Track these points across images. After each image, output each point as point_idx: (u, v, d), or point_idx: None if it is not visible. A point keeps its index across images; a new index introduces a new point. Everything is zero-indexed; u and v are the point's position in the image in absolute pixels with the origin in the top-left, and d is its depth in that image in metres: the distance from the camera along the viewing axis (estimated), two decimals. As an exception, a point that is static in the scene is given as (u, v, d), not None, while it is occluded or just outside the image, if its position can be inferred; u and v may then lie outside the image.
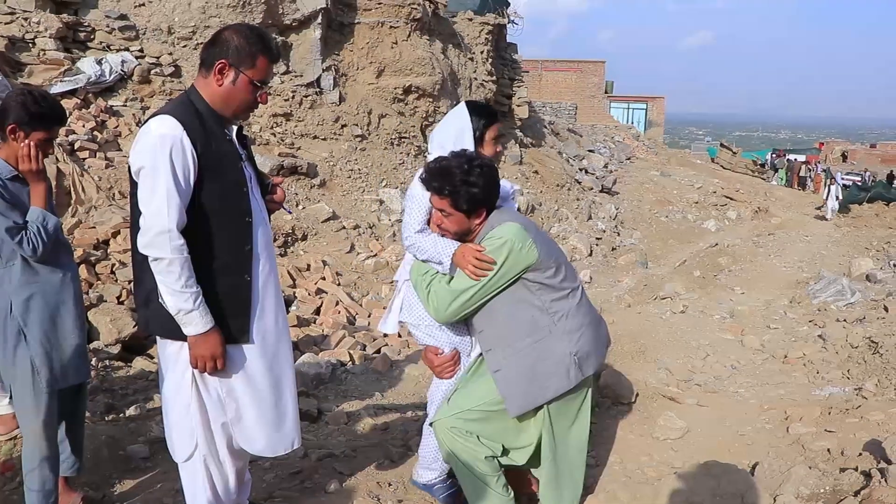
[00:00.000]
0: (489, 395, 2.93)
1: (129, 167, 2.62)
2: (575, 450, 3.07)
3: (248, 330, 2.72)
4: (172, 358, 2.71)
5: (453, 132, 3.18)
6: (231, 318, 2.67)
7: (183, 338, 2.61)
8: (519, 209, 3.19)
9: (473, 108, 3.26)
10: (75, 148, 8.28)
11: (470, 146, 3.10)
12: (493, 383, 2.92)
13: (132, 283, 2.80)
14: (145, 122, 2.60)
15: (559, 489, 3.07)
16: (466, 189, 2.81)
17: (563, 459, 3.05)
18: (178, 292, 2.51)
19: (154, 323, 2.67)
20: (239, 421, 2.76)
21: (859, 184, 27.93)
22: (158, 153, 2.48)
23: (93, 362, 5.29)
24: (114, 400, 4.94)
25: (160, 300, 2.55)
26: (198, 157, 2.56)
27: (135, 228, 2.59)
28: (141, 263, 2.61)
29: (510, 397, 2.91)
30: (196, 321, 2.55)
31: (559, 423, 3.00)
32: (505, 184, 3.15)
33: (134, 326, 5.89)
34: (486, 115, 3.25)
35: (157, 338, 2.76)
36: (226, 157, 2.67)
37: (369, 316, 7.76)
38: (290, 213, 8.80)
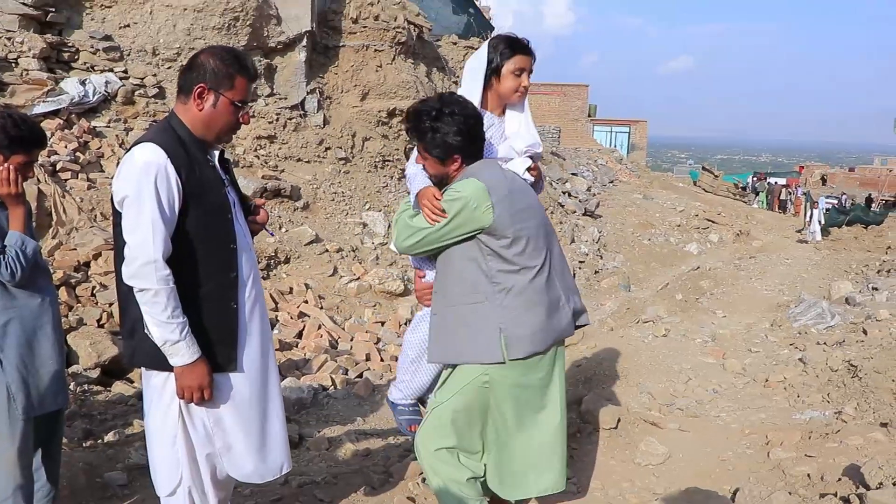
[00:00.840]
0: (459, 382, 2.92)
1: (111, 196, 2.58)
2: (533, 448, 2.96)
3: (235, 358, 2.69)
4: (157, 390, 2.65)
5: (467, 74, 3.12)
6: (218, 347, 2.64)
7: (169, 368, 2.57)
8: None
9: (494, 39, 3.11)
10: (57, 169, 8.24)
11: (477, 86, 3.04)
12: (461, 372, 2.92)
13: (118, 314, 2.75)
14: (128, 150, 2.58)
15: (501, 482, 2.98)
16: (433, 135, 2.80)
17: (508, 449, 2.95)
18: (164, 323, 2.47)
19: (140, 354, 2.63)
20: (228, 450, 2.72)
21: (838, 207, 28.27)
22: (143, 181, 2.45)
23: (71, 387, 5.24)
24: (92, 425, 4.88)
25: (146, 331, 2.52)
26: (182, 185, 2.53)
27: (119, 258, 2.56)
28: (126, 294, 2.58)
29: (432, 344, 2.97)
30: (183, 352, 2.51)
31: (509, 411, 2.91)
32: (527, 137, 3.13)
33: (118, 353, 5.83)
34: (507, 44, 3.06)
35: (143, 369, 2.71)
36: (210, 184, 2.64)
37: (352, 340, 7.74)
38: (272, 235, 8.82)
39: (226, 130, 2.70)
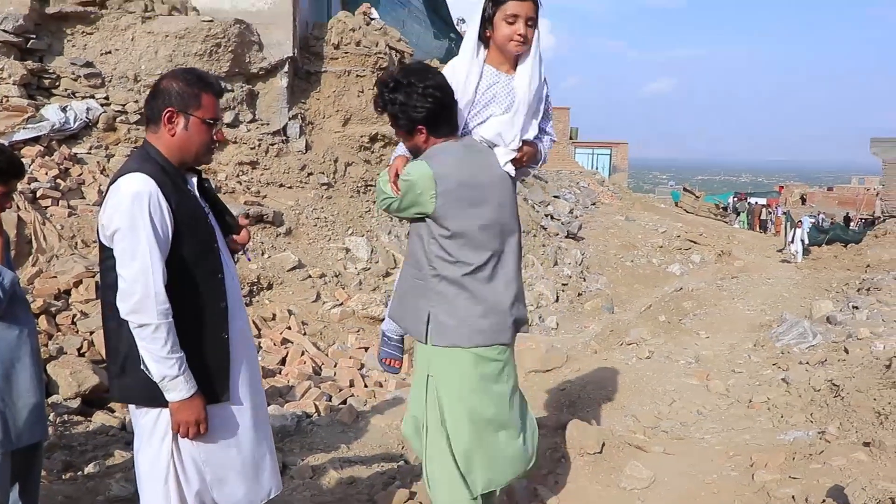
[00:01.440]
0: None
1: (98, 230, 2.53)
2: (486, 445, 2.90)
3: (227, 388, 2.66)
4: (149, 427, 2.59)
5: (468, 27, 2.93)
6: (211, 379, 2.60)
7: (161, 404, 2.52)
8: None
9: None
10: (37, 196, 8.19)
11: (469, 39, 2.85)
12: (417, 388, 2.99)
13: (105, 351, 2.67)
14: (112, 182, 2.52)
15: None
16: (391, 106, 2.77)
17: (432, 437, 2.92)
18: (164, 359, 2.42)
19: (132, 391, 2.57)
20: (219, 483, 2.68)
21: (817, 226, 28.59)
22: (136, 213, 2.40)
23: (50, 417, 5.17)
24: (72, 457, 4.81)
25: (142, 367, 2.45)
26: (173, 213, 2.50)
27: (107, 294, 2.52)
28: (114, 330, 2.53)
29: (392, 300, 3.12)
30: (181, 387, 2.46)
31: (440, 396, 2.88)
32: (517, 123, 2.82)
33: (99, 382, 5.77)
34: None
35: (132, 407, 2.64)
36: (194, 213, 2.62)
37: (335, 366, 7.70)
38: (249, 259, 8.76)
39: (203, 151, 2.67)
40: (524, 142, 2.87)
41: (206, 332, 2.60)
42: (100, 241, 2.54)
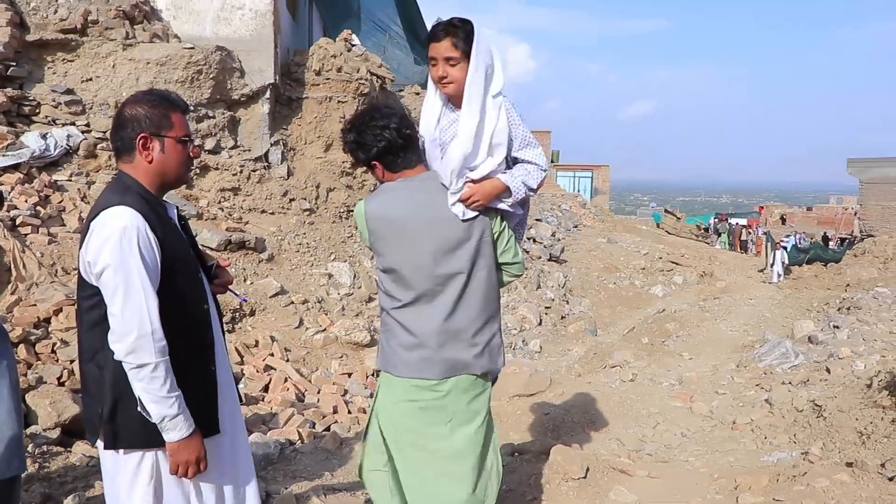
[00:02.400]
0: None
1: (82, 268, 2.44)
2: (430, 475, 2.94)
3: (216, 421, 2.60)
4: (133, 470, 2.48)
5: None
6: (202, 412, 2.53)
7: (151, 446, 2.45)
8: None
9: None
10: (17, 223, 8.12)
11: (431, 83, 2.93)
12: None
13: (86, 397, 2.56)
14: (93, 216, 2.43)
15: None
16: (348, 145, 2.92)
17: (413, 475, 2.97)
18: (163, 398, 2.34)
19: (125, 435, 2.45)
20: None
21: (798, 245, 28.83)
22: (125, 249, 2.32)
23: (29, 448, 5.09)
24: (51, 489, 4.73)
25: (139, 409, 2.36)
26: (160, 246, 2.43)
27: (90, 334, 2.45)
28: (97, 374, 2.45)
29: None
30: (180, 426, 2.39)
31: (389, 425, 2.99)
32: (449, 161, 2.78)
33: (80, 412, 5.69)
34: (429, 35, 2.88)
35: (111, 452, 2.49)
36: (178, 243, 2.57)
37: (319, 392, 7.65)
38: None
39: (182, 171, 2.61)
40: (474, 180, 2.82)
41: (195, 366, 2.54)
42: (80, 279, 2.46)
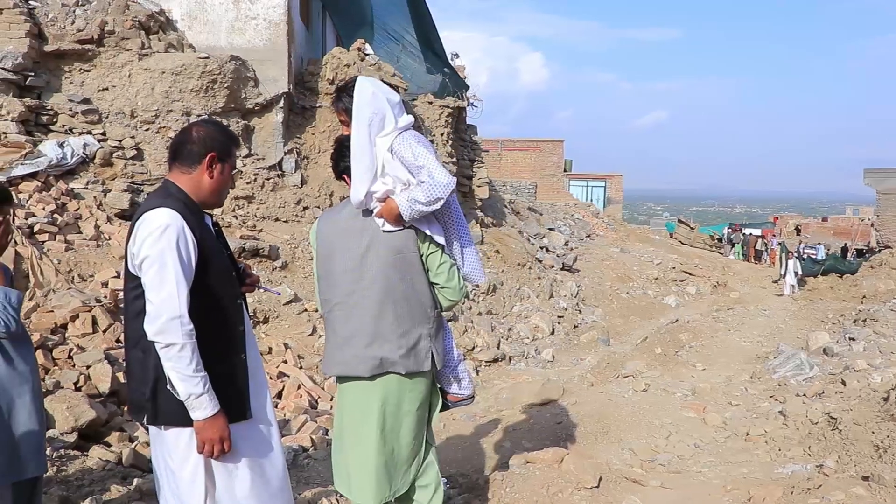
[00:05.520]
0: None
1: (126, 261, 2.71)
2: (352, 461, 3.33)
3: (247, 408, 2.82)
4: (184, 446, 2.72)
5: None
6: (232, 398, 2.75)
7: (189, 423, 2.65)
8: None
9: None
10: (34, 231, 8.20)
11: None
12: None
13: (130, 380, 2.83)
14: (138, 216, 2.69)
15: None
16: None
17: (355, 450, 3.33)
18: (189, 377, 2.57)
19: (164, 413, 2.69)
20: (246, 498, 2.80)
21: (814, 257, 28.63)
22: (164, 243, 2.59)
23: (47, 452, 5.13)
24: (68, 492, 4.76)
25: (168, 387, 2.60)
26: (198, 245, 2.70)
27: (134, 322, 2.68)
28: (141, 359, 2.68)
29: None
30: (205, 405, 2.61)
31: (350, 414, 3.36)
32: (442, 178, 3.17)
33: (96, 416, 5.73)
34: None
35: (162, 430, 2.74)
36: (213, 245, 2.82)
37: (332, 399, 7.66)
38: (277, 293, 8.88)
39: (224, 196, 2.94)
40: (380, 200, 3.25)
41: (228, 354, 2.79)
42: (127, 271, 2.72)
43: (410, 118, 3.35)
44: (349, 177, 3.28)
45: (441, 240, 3.31)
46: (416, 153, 3.18)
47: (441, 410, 3.60)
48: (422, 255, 3.28)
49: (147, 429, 2.88)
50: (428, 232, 3.26)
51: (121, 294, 2.72)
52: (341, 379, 3.35)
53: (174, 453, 2.74)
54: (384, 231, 3.22)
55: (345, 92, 3.34)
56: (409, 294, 3.25)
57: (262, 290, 3.56)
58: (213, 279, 2.75)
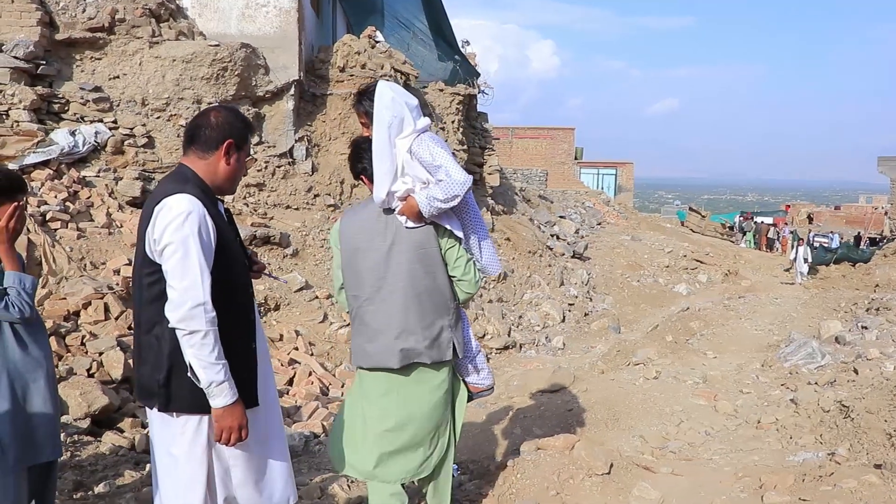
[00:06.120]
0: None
1: (146, 247, 2.67)
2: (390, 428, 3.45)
3: (255, 395, 2.81)
4: (191, 434, 2.71)
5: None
6: (244, 386, 2.73)
7: (203, 412, 2.65)
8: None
9: None
10: (47, 218, 8.24)
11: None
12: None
13: (142, 366, 2.79)
14: (156, 201, 2.66)
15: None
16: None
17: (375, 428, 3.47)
18: (211, 365, 2.56)
19: (177, 400, 2.68)
20: (243, 485, 2.80)
21: (827, 245, 28.45)
22: (187, 230, 2.57)
23: (61, 437, 5.17)
24: (82, 477, 4.81)
25: (189, 375, 2.58)
26: (216, 231, 2.69)
27: (149, 308, 2.67)
28: (155, 344, 2.67)
29: None
30: (226, 392, 2.60)
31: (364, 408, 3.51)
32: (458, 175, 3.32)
33: (109, 402, 5.78)
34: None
35: (173, 417, 2.71)
36: (228, 232, 2.81)
37: (342, 386, 7.69)
38: (285, 282, 8.89)
39: (236, 184, 2.93)
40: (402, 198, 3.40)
41: (238, 342, 2.76)
42: (144, 257, 2.68)
43: (427, 120, 3.50)
44: (367, 177, 3.45)
45: (459, 234, 3.45)
46: (434, 153, 3.33)
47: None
48: (441, 250, 3.43)
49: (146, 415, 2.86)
50: (448, 227, 3.42)
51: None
52: (367, 368, 3.47)
53: (179, 440, 2.72)
54: (406, 228, 3.37)
55: (366, 96, 3.46)
56: (432, 287, 3.41)
57: (269, 278, 3.61)
58: (228, 267, 2.74)
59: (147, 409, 2.80)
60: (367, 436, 3.48)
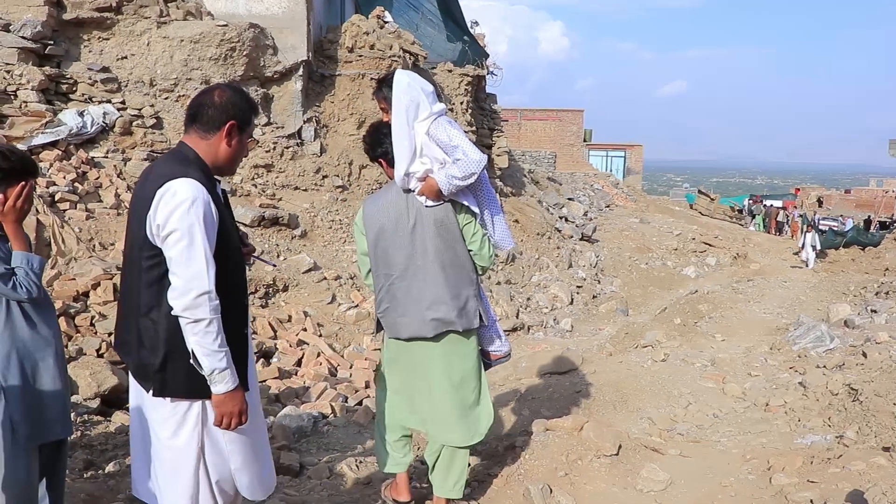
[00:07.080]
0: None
1: (148, 230, 2.60)
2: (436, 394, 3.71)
3: (248, 379, 2.79)
4: (179, 419, 2.69)
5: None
6: (238, 371, 2.71)
7: (199, 397, 2.65)
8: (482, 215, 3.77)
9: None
10: (56, 199, 8.27)
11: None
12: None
13: (138, 348, 2.72)
14: (158, 184, 2.60)
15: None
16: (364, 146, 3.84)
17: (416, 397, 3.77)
18: (215, 352, 2.55)
19: (172, 385, 2.66)
20: (239, 471, 2.80)
21: (836, 228, 28.32)
22: (192, 217, 2.54)
23: (71, 417, 5.21)
24: (92, 456, 4.85)
25: (191, 362, 2.56)
26: (219, 216, 2.66)
27: (148, 291, 2.63)
28: (151, 328, 2.63)
29: None
30: (227, 379, 2.60)
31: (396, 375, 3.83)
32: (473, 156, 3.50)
33: (118, 382, 5.81)
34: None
35: (166, 401, 2.68)
36: (226, 216, 2.76)
37: (351, 367, 7.71)
38: (274, 266, 8.85)
39: (237, 165, 2.90)
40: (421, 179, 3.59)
41: (235, 328, 2.72)
42: (144, 240, 2.62)
43: (443, 105, 3.66)
44: (386, 161, 3.65)
45: (476, 209, 3.66)
46: (451, 135, 3.52)
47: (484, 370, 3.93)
48: (459, 225, 3.63)
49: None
50: (465, 203, 3.62)
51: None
52: (405, 339, 3.70)
53: (168, 423, 2.70)
54: (427, 206, 3.57)
55: (384, 83, 3.66)
56: (455, 260, 3.63)
57: (260, 261, 3.69)
58: (226, 252, 2.69)
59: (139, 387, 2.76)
60: (413, 403, 3.77)
